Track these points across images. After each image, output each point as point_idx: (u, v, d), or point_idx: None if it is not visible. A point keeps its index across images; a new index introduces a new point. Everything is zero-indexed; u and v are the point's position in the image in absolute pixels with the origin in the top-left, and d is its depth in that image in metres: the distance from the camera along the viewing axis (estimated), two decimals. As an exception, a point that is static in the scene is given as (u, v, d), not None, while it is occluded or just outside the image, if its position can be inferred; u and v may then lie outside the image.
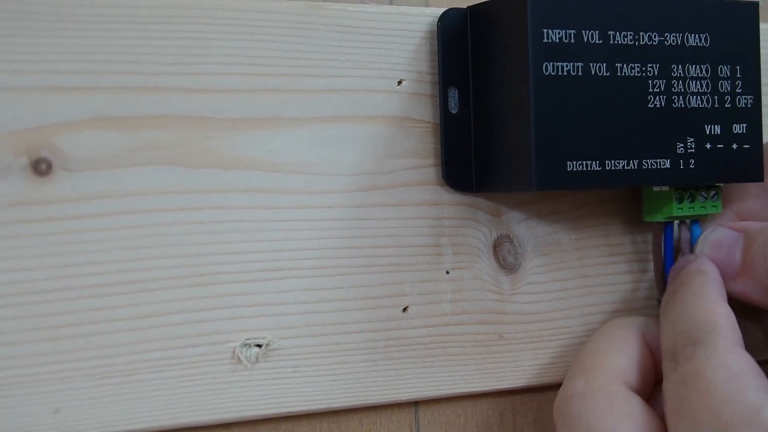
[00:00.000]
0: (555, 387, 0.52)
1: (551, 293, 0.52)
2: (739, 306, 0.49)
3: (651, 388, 0.48)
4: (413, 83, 0.49)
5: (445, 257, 0.50)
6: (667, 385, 0.45)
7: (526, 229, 0.51)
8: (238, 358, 0.46)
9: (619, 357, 0.48)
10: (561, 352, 0.52)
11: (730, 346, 0.44)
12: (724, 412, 0.41)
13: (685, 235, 0.51)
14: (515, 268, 0.51)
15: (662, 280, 0.51)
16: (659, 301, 0.51)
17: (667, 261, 0.51)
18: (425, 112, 0.49)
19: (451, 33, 0.49)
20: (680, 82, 0.48)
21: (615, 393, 0.46)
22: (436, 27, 0.49)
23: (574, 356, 0.50)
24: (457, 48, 0.49)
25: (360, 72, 0.48)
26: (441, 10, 0.49)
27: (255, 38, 0.46)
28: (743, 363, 0.43)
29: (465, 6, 0.49)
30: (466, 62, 0.49)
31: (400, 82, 0.49)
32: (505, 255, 0.51)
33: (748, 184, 0.51)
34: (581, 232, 0.53)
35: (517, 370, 0.51)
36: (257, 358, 0.46)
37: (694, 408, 0.42)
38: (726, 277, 0.49)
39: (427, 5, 0.52)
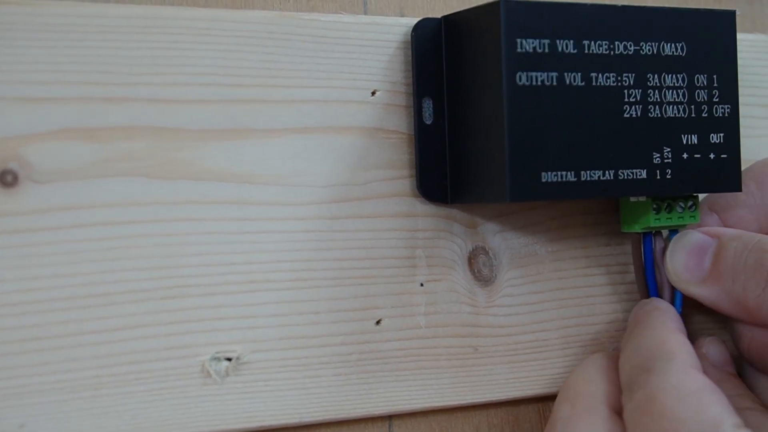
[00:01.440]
0: (531, 401, 0.52)
1: (527, 306, 0.51)
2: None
3: None
4: (387, 94, 0.49)
5: (420, 269, 0.49)
6: (625, 416, 0.44)
7: (501, 240, 0.51)
8: (208, 371, 0.45)
9: (603, 381, 0.47)
10: (537, 366, 0.52)
11: (683, 368, 0.44)
12: None
13: (660, 245, 0.51)
14: (491, 281, 0.51)
15: (645, 291, 0.51)
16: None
17: (648, 271, 0.51)
18: (399, 122, 0.49)
19: (426, 43, 0.48)
20: (656, 91, 0.48)
21: (600, 414, 0.45)
22: (410, 37, 0.48)
23: (551, 372, 0.50)
24: (432, 58, 0.48)
25: (333, 82, 0.48)
26: (416, 20, 0.48)
27: (227, 48, 0.46)
28: (698, 382, 0.43)
29: (440, 16, 0.49)
30: (441, 72, 0.49)
31: (374, 93, 0.48)
32: (480, 267, 0.51)
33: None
34: (558, 244, 0.52)
35: (492, 384, 0.51)
36: (227, 372, 0.46)
37: None
38: (693, 281, 0.48)
39: (402, 15, 0.51)
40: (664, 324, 0.47)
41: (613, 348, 0.53)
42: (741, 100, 0.51)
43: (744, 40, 0.56)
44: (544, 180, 0.45)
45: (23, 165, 0.42)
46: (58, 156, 0.43)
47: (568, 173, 0.46)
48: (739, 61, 0.51)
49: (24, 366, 0.42)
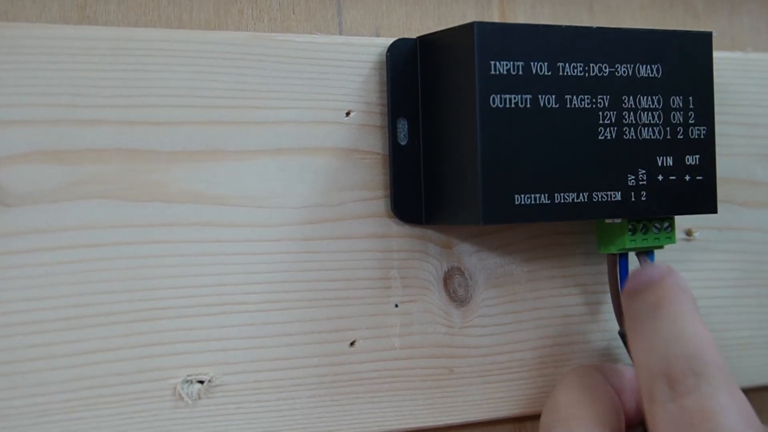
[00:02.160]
0: (507, 421, 0.52)
1: (503, 326, 0.51)
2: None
3: (624, 428, 0.48)
4: (362, 114, 0.48)
5: (394, 290, 0.49)
6: (659, 412, 0.43)
7: (477, 261, 0.51)
8: (180, 394, 0.45)
9: (597, 403, 0.47)
10: (513, 386, 0.51)
11: (732, 383, 0.43)
12: None
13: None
14: (466, 301, 0.51)
15: (620, 312, 0.51)
16: (621, 335, 0.51)
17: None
18: (374, 143, 0.49)
19: (401, 64, 0.48)
20: (631, 113, 0.48)
21: None
22: (385, 57, 0.48)
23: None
24: (407, 79, 0.48)
25: (307, 103, 0.47)
26: (391, 40, 0.48)
27: (199, 69, 0.45)
28: (747, 405, 0.43)
29: (416, 36, 0.48)
30: (416, 93, 0.48)
31: (348, 113, 0.48)
32: (455, 287, 0.50)
33: None
34: (534, 264, 0.52)
35: (467, 405, 0.51)
36: (199, 395, 0.45)
37: None
38: None
39: (377, 35, 0.51)
40: (699, 317, 0.45)
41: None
42: (719, 118, 0.51)
43: (723, 58, 0.55)
44: (517, 202, 0.45)
45: (-7, 188, 0.42)
46: (29, 179, 0.43)
47: (542, 196, 0.46)
48: (718, 80, 0.51)
49: (-7, 390, 0.42)
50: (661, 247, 0.50)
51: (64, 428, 0.43)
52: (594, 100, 0.47)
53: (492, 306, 0.51)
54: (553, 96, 0.46)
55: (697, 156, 0.49)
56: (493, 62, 0.45)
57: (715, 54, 0.51)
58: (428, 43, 0.48)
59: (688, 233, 0.55)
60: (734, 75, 0.56)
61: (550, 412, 0.48)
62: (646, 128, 0.48)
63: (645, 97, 0.48)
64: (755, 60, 0.57)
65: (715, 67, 0.50)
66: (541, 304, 0.52)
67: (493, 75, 0.45)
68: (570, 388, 0.48)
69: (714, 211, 0.50)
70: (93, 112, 0.44)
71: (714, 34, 0.50)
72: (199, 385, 0.45)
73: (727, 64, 0.56)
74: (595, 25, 0.56)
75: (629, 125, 0.48)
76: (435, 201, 0.48)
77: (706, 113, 0.49)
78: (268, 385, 0.47)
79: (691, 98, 0.49)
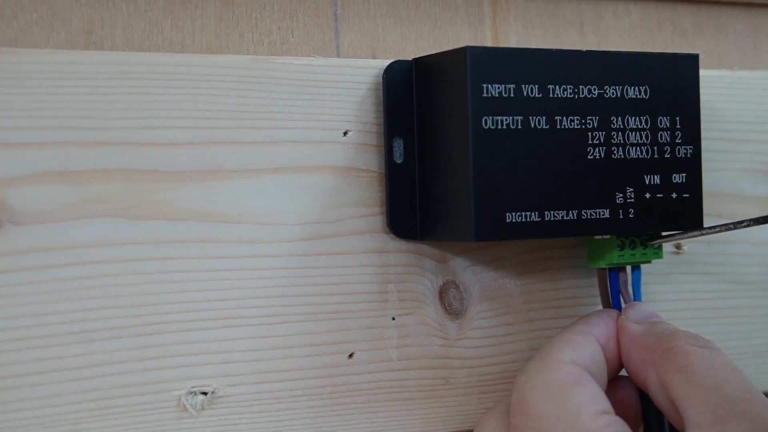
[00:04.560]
0: (500, 430, 0.53)
1: (497, 338, 0.53)
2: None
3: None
4: (359, 134, 0.50)
5: (391, 304, 0.51)
6: None
7: (471, 275, 0.52)
8: (184, 405, 0.47)
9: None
10: (507, 396, 0.53)
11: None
12: None
13: (623, 278, 0.52)
14: (461, 314, 0.52)
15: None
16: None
17: (613, 305, 0.52)
18: (371, 161, 0.50)
19: (397, 85, 0.50)
20: (620, 133, 0.49)
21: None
22: (381, 79, 0.50)
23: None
24: (403, 99, 0.50)
25: (306, 123, 0.49)
26: (387, 62, 0.50)
27: (201, 92, 0.47)
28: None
29: (412, 58, 0.50)
30: (412, 113, 0.50)
31: (345, 133, 0.50)
32: (450, 301, 0.52)
33: None
34: (527, 277, 0.54)
35: (462, 414, 0.52)
36: (203, 406, 0.47)
37: None
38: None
39: (374, 57, 0.52)
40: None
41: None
42: (708, 134, 0.52)
43: (710, 76, 0.57)
44: (508, 220, 0.47)
45: (3, 208, 0.44)
46: (37, 199, 0.44)
47: (533, 213, 0.47)
48: (706, 97, 0.52)
49: (3, 402, 0.44)
50: (648, 261, 0.52)
51: (72, 439, 0.45)
52: (583, 120, 0.48)
53: (486, 318, 0.53)
54: (544, 117, 0.47)
55: (684, 174, 0.50)
56: (485, 85, 0.46)
57: (703, 72, 0.52)
58: (423, 66, 0.49)
59: (678, 247, 0.57)
60: (721, 92, 0.58)
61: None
62: (634, 148, 0.49)
63: (633, 118, 0.49)
64: (742, 78, 0.59)
65: (702, 85, 0.52)
66: (534, 317, 0.54)
67: (485, 97, 0.46)
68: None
69: (701, 227, 0.51)
70: (99, 134, 0.45)
71: (700, 56, 0.51)
72: (202, 397, 0.47)
73: (714, 82, 0.57)
74: (585, 45, 0.57)
75: (617, 145, 0.49)
76: (430, 218, 0.49)
77: (692, 133, 0.51)
78: (269, 396, 0.48)
79: (678, 118, 0.50)
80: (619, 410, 0.46)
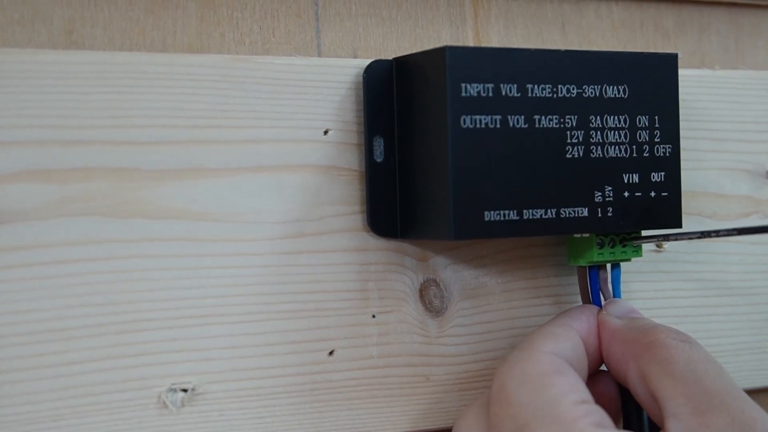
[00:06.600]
0: (480, 428, 0.54)
1: (477, 335, 0.53)
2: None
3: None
4: (339, 133, 0.50)
5: (372, 302, 0.51)
6: None
7: (452, 273, 0.53)
8: (164, 402, 0.47)
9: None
10: (487, 390, 0.53)
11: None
12: None
13: (603, 276, 0.52)
14: (441, 312, 0.52)
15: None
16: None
17: (594, 302, 0.52)
18: (351, 160, 0.50)
19: (377, 84, 0.50)
20: (598, 132, 0.49)
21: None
22: (362, 78, 0.50)
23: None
24: (383, 98, 0.50)
25: (287, 122, 0.49)
26: (368, 61, 0.50)
27: (182, 91, 0.47)
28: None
29: (392, 57, 0.50)
30: (392, 112, 0.50)
31: (326, 132, 0.50)
32: (431, 298, 0.52)
33: None
34: (508, 275, 0.54)
35: (442, 411, 0.52)
36: (183, 403, 0.47)
37: None
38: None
39: (355, 56, 0.53)
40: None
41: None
42: (689, 133, 0.52)
43: (692, 75, 0.57)
44: (487, 219, 0.47)
45: (-17, 206, 0.44)
46: (18, 197, 0.45)
47: (511, 212, 0.47)
48: (687, 96, 0.53)
49: (-16, 399, 0.44)
50: (628, 259, 0.52)
51: (53, 435, 0.45)
52: (562, 120, 0.49)
53: (467, 316, 0.53)
54: (522, 116, 0.48)
55: (663, 173, 0.51)
56: (464, 84, 0.47)
57: (685, 72, 0.52)
58: (403, 65, 0.50)
59: (658, 245, 0.57)
60: (703, 92, 0.58)
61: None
62: (612, 147, 0.50)
63: (612, 117, 0.50)
64: (723, 77, 0.59)
65: (684, 84, 0.52)
66: (514, 314, 0.54)
67: (463, 97, 0.47)
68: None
69: (679, 226, 0.51)
70: (80, 132, 0.46)
71: (681, 56, 0.51)
72: (182, 394, 0.47)
73: (696, 82, 0.58)
74: (567, 45, 0.57)
75: (596, 144, 0.49)
76: (410, 216, 0.50)
77: (671, 132, 0.51)
78: (249, 393, 0.49)
79: (656, 117, 0.51)
80: (599, 403, 0.47)
